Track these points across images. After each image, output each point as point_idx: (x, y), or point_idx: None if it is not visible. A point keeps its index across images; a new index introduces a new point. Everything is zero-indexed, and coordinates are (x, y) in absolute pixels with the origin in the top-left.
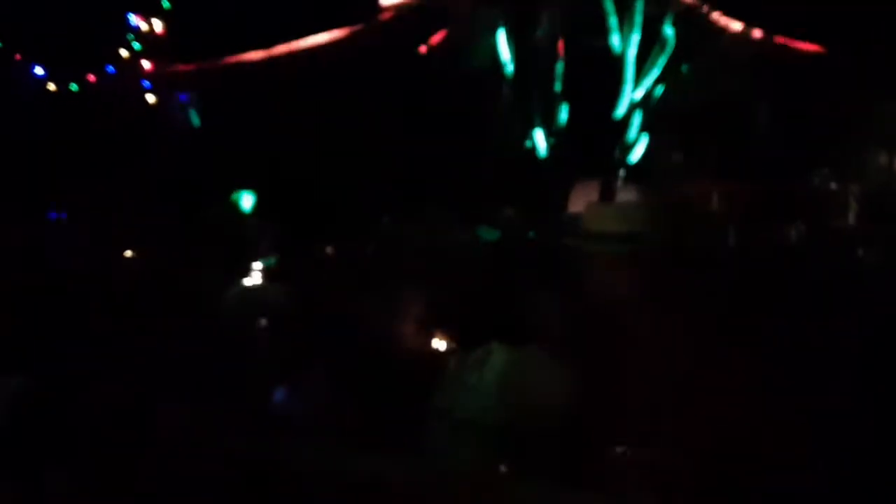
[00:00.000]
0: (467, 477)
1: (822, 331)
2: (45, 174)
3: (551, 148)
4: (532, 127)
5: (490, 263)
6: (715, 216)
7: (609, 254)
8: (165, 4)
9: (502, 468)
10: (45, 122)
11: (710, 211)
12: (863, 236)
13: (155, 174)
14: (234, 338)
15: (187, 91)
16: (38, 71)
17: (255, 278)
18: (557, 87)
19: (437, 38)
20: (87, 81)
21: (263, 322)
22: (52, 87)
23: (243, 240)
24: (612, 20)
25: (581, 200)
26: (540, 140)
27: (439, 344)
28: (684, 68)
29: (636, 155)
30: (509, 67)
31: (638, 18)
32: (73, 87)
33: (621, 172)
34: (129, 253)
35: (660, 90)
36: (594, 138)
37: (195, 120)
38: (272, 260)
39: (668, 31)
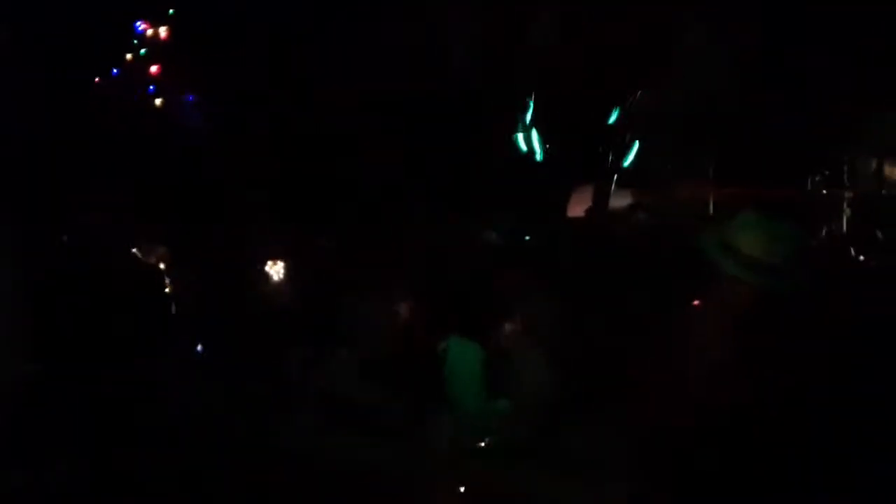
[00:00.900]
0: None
1: None
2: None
3: (547, 152)
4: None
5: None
6: None
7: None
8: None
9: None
10: (47, 123)
11: None
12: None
13: (161, 177)
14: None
15: (193, 94)
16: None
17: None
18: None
19: None
20: (92, 84)
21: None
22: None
23: None
24: None
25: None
26: (535, 144)
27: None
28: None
29: (629, 160)
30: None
31: None
32: (78, 88)
33: (615, 177)
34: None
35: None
36: (588, 142)
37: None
38: None
39: None
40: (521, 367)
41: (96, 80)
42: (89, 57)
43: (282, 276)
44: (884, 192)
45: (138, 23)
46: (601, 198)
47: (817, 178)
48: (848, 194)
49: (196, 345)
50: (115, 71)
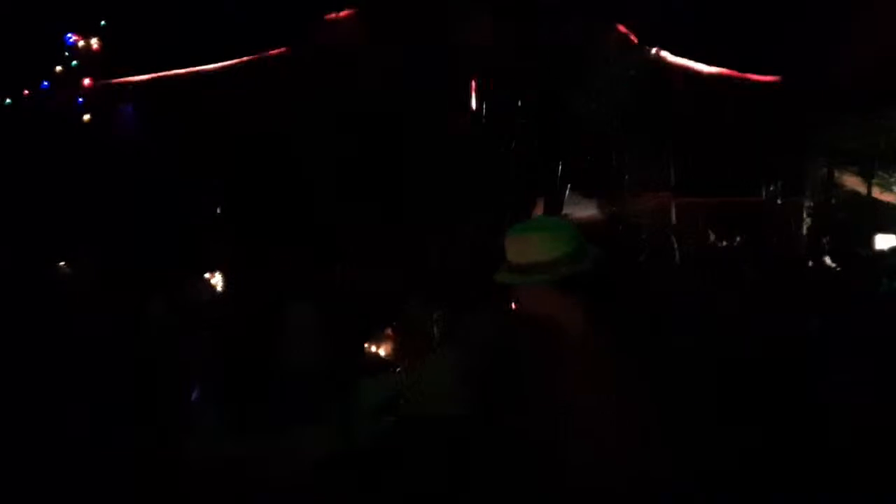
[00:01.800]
0: None
1: None
2: None
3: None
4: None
5: None
6: None
7: None
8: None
9: None
10: None
11: None
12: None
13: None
14: None
15: (126, 105)
16: None
17: None
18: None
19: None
20: (21, 96)
21: None
22: None
23: None
24: None
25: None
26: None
27: None
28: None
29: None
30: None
31: None
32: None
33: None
34: None
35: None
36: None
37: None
38: None
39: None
40: None
41: (25, 92)
42: (19, 69)
43: None
44: (833, 201)
45: (69, 35)
46: (554, 207)
47: (772, 188)
48: (808, 203)
49: None
50: (45, 83)
